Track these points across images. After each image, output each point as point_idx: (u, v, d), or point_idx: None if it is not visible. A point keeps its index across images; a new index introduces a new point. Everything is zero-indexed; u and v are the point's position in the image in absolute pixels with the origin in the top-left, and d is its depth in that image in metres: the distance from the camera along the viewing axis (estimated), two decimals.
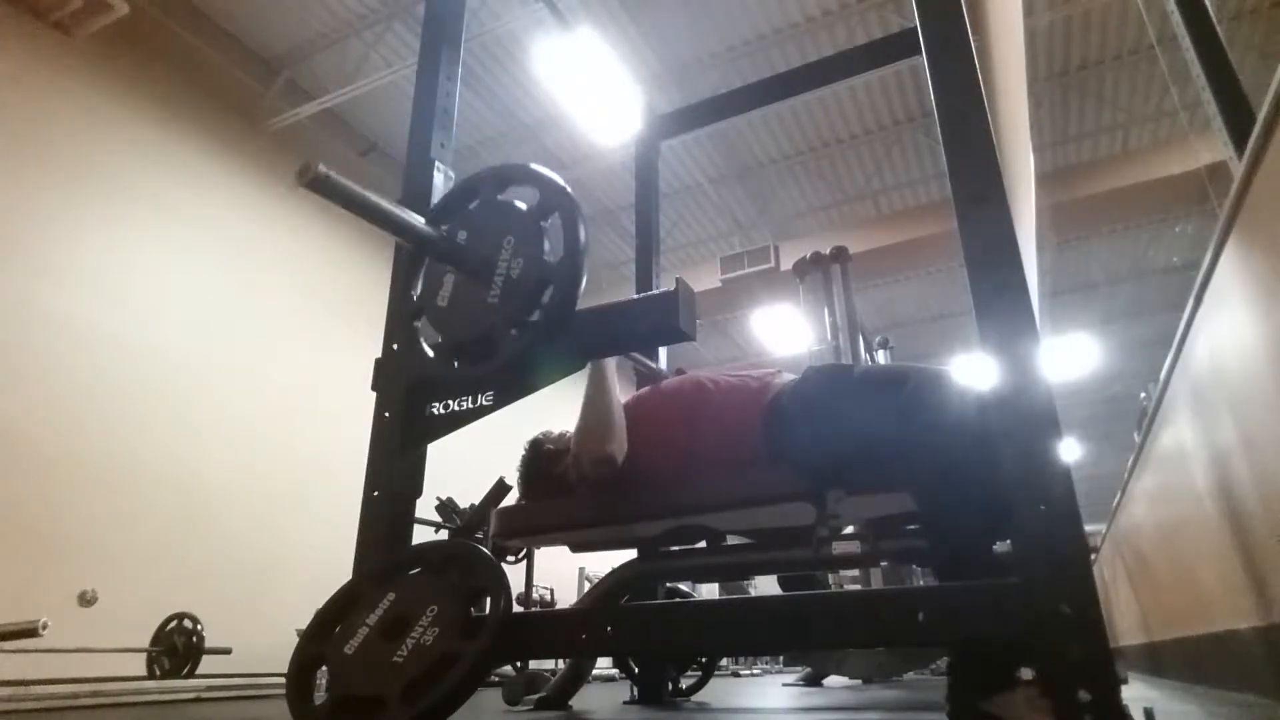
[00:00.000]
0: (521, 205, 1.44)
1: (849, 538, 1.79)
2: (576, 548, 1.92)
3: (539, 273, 1.35)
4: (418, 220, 1.41)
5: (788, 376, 1.67)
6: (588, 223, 1.40)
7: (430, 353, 1.46)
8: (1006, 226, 1.18)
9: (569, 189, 1.41)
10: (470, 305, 1.41)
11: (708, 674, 2.71)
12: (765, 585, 5.22)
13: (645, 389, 1.85)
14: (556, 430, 1.85)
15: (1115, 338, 10.56)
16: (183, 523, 4.93)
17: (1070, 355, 10.60)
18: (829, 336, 4.82)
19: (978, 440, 1.18)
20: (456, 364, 1.43)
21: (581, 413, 1.61)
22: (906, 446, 1.33)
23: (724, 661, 7.49)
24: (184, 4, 5.78)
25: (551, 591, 5.81)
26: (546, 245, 1.37)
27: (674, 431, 1.63)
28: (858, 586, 4.05)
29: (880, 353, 5.96)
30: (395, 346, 1.60)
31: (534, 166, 1.47)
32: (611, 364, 1.65)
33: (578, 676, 2.30)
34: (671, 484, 1.61)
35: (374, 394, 1.57)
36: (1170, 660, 3.25)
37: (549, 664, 4.06)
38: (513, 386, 1.42)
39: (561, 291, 1.34)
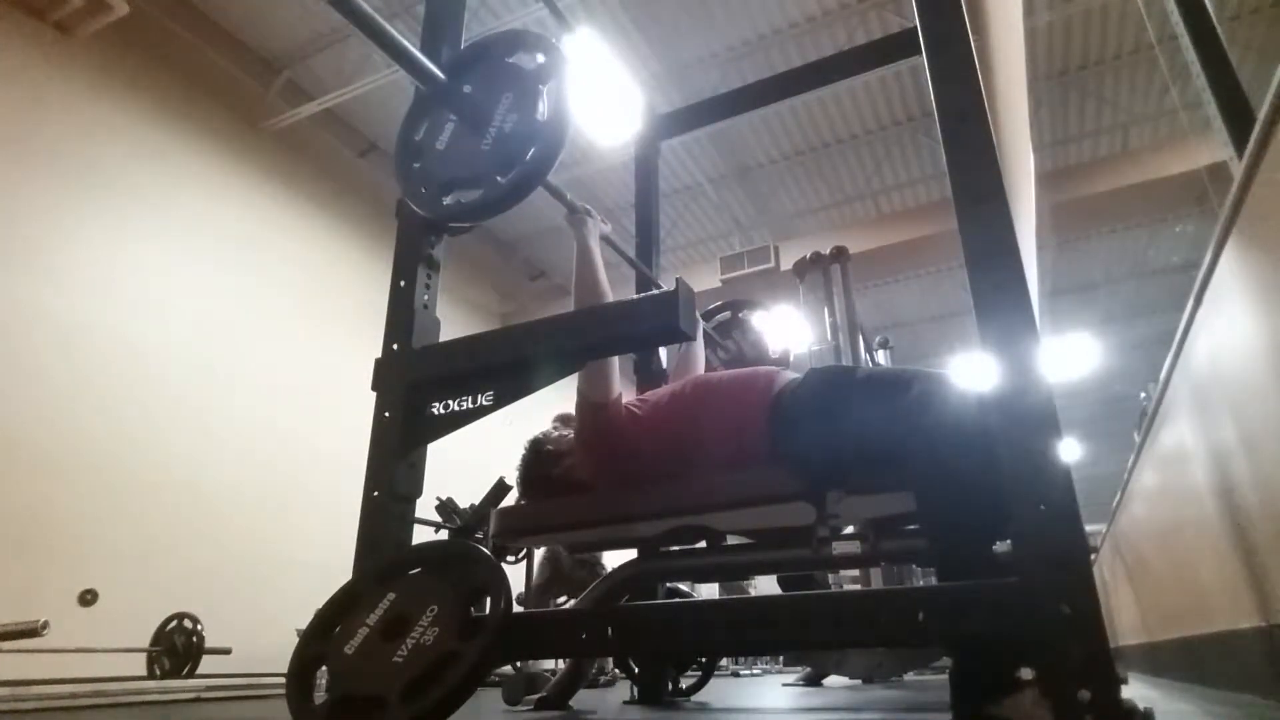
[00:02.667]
0: (525, 66, 1.55)
1: (849, 538, 1.79)
2: (576, 548, 1.92)
3: (529, 129, 1.47)
4: (432, 64, 1.53)
5: (789, 375, 1.67)
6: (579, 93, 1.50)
7: (424, 191, 1.57)
8: (1006, 226, 1.18)
9: (569, 57, 1.53)
10: (464, 150, 1.54)
11: (708, 674, 2.71)
12: (765, 585, 5.22)
13: (647, 388, 1.85)
14: (557, 431, 1.85)
15: (1115, 338, 10.56)
16: (183, 523, 4.93)
17: (1070, 355, 10.59)
18: (829, 336, 4.82)
19: (979, 442, 1.18)
20: (445, 201, 1.55)
21: (574, 288, 1.72)
22: (909, 448, 1.33)
23: (724, 661, 7.48)
24: (184, 4, 5.78)
25: None
26: (540, 106, 1.48)
27: (675, 430, 1.63)
28: (858, 586, 4.05)
29: (880, 353, 5.96)
30: (395, 346, 1.60)
31: (542, 34, 1.58)
32: (594, 236, 1.79)
33: (578, 676, 2.30)
34: (672, 484, 1.61)
35: (374, 394, 1.57)
36: (1170, 660, 3.25)
37: (549, 664, 4.06)
38: (513, 386, 1.42)
39: (545, 148, 1.45)
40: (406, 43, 1.46)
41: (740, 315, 2.67)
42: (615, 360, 1.65)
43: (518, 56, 1.58)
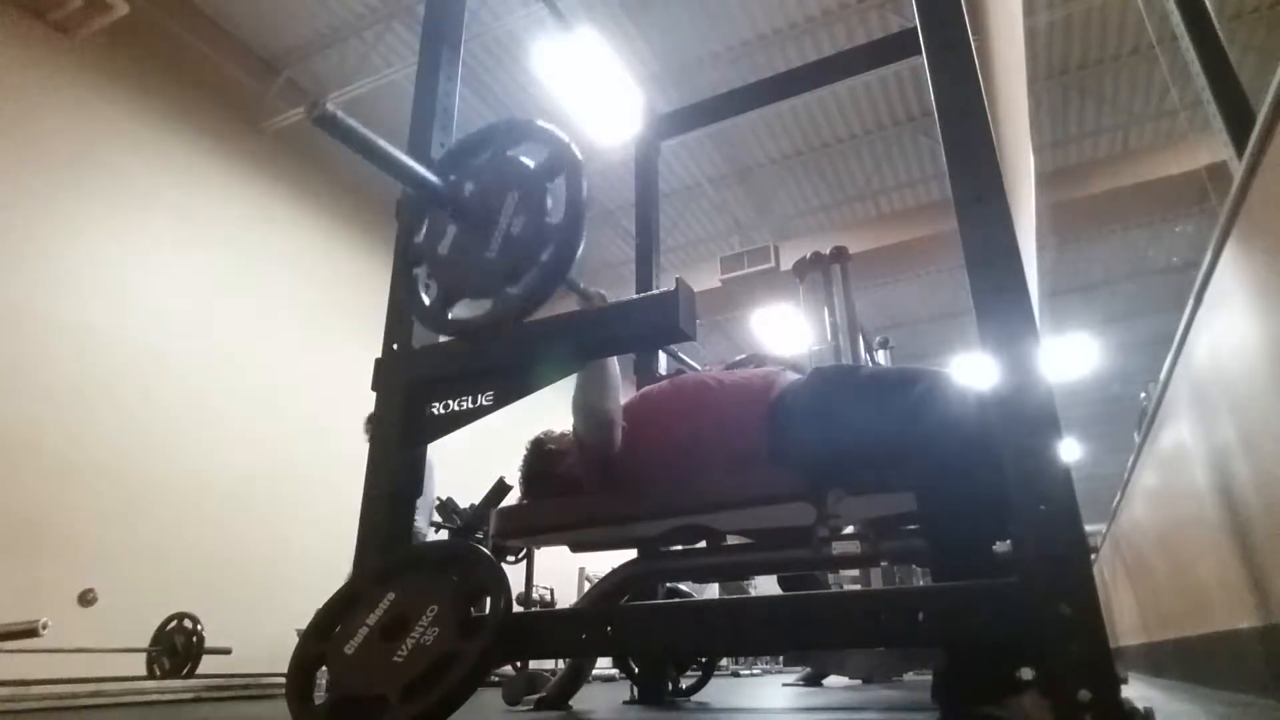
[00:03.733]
0: (529, 162, 1.43)
1: (849, 538, 1.79)
2: (576, 548, 1.92)
3: (539, 232, 1.35)
4: (424, 168, 1.41)
5: (791, 375, 1.67)
6: (591, 185, 1.39)
7: (426, 301, 1.47)
8: (1006, 226, 1.18)
9: (576, 149, 1.40)
10: (469, 257, 1.42)
11: (708, 674, 2.71)
12: (765, 585, 5.22)
13: (647, 387, 1.84)
14: (558, 430, 1.85)
15: (1115, 338, 10.56)
16: (183, 523, 4.93)
17: (1070, 355, 10.59)
18: (829, 336, 4.82)
19: (980, 442, 1.18)
20: (450, 314, 1.43)
21: (583, 399, 1.60)
22: (911, 448, 1.33)
23: (724, 661, 7.49)
24: (184, 4, 5.77)
25: (551, 591, 5.81)
26: (549, 204, 1.37)
27: (676, 430, 1.63)
28: (858, 586, 4.05)
29: (880, 353, 5.96)
30: (395, 346, 1.60)
31: (543, 123, 1.46)
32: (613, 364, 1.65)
33: (578, 676, 2.30)
34: (672, 484, 1.61)
35: (374, 394, 1.57)
36: (1170, 660, 3.25)
37: (549, 664, 4.06)
38: (513, 386, 1.42)
39: (560, 253, 1.34)
40: (391, 148, 1.32)
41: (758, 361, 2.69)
42: (617, 377, 1.63)
43: (520, 149, 1.46)
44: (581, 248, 1.35)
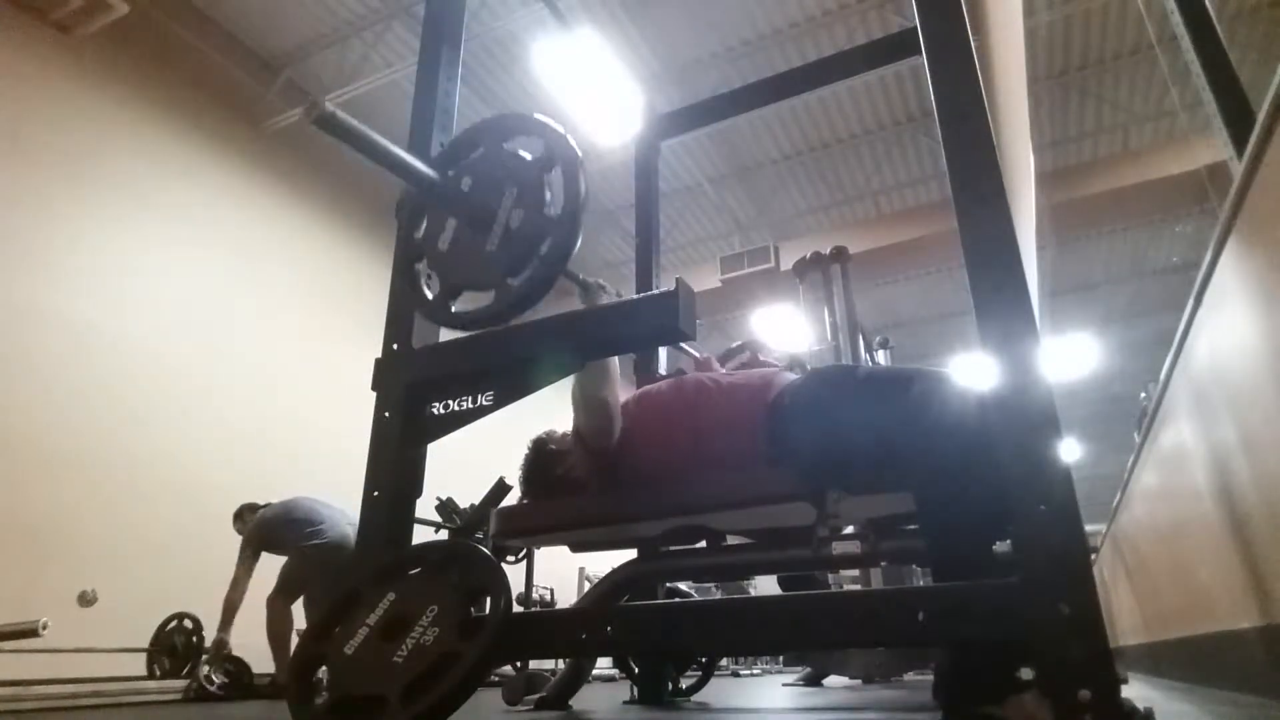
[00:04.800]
0: (525, 155, 1.44)
1: (849, 538, 1.79)
2: (576, 548, 1.92)
3: (538, 225, 1.37)
4: (422, 164, 1.43)
5: (789, 375, 1.67)
6: (589, 177, 1.40)
7: (429, 295, 1.49)
8: (1006, 226, 1.18)
9: (572, 140, 1.40)
10: (469, 251, 1.43)
11: (708, 674, 2.71)
12: (765, 585, 5.22)
13: (647, 387, 1.84)
14: (560, 431, 1.85)
15: (1115, 338, 10.56)
16: (183, 523, 4.93)
17: (1070, 355, 10.59)
18: (829, 336, 4.82)
19: (979, 441, 1.18)
20: (453, 308, 1.45)
21: (582, 391, 1.60)
22: (909, 447, 1.33)
23: (724, 661, 7.49)
24: (184, 4, 5.77)
25: (551, 591, 5.81)
26: (548, 197, 1.38)
27: (675, 430, 1.63)
28: (858, 586, 4.05)
29: (880, 353, 5.95)
30: (395, 346, 1.60)
31: (539, 116, 1.47)
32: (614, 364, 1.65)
33: (578, 676, 2.30)
34: (672, 484, 1.61)
35: (374, 394, 1.57)
36: (1170, 660, 3.25)
37: (549, 664, 4.06)
38: (513, 386, 1.42)
39: (559, 244, 1.35)
40: (391, 145, 1.35)
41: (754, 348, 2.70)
42: (616, 369, 1.63)
43: (516, 142, 1.47)
44: (580, 239, 1.36)
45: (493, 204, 1.41)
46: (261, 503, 4.14)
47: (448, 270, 1.47)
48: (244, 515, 4.18)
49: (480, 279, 1.41)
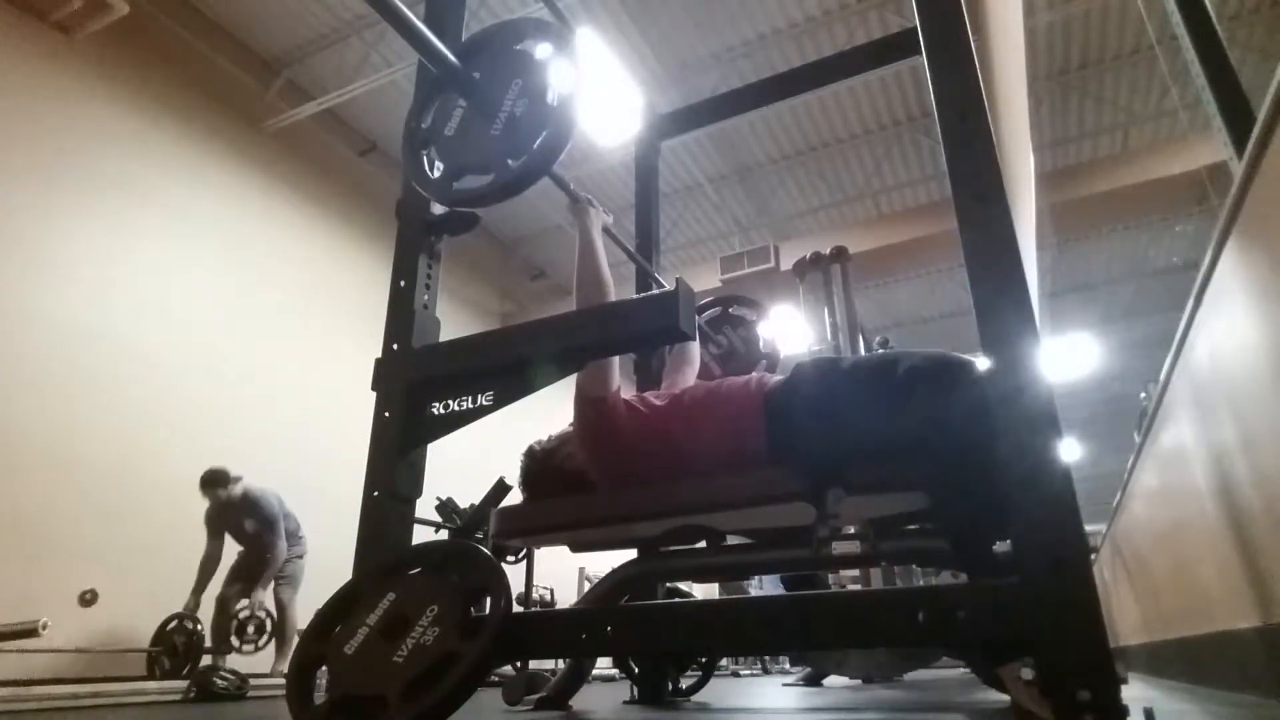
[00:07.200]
0: (535, 55, 1.56)
1: (849, 537, 1.79)
2: (576, 548, 1.92)
3: (539, 114, 1.48)
4: (444, 47, 1.53)
5: (772, 377, 1.68)
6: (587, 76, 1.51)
7: (433, 177, 1.58)
8: (1006, 226, 1.18)
9: (575, 39, 1.53)
10: (474, 135, 1.55)
11: (708, 674, 2.71)
12: (766, 584, 5.22)
13: (646, 393, 1.85)
14: (549, 435, 1.87)
15: (1115, 338, 10.56)
16: (183, 523, 4.92)
17: (1070, 355, 10.59)
18: (829, 336, 4.82)
19: (974, 422, 1.17)
20: (455, 186, 1.55)
21: (576, 279, 1.68)
22: (901, 435, 1.33)
23: (724, 661, 7.49)
24: (184, 4, 5.78)
25: (551, 591, 5.81)
26: (550, 92, 1.49)
27: (674, 431, 1.63)
28: (858, 586, 4.05)
29: (880, 353, 5.96)
30: (395, 346, 1.60)
31: (549, 20, 1.59)
32: (596, 227, 1.77)
33: (578, 676, 2.30)
34: (672, 484, 1.61)
35: (374, 394, 1.57)
36: (1170, 660, 3.25)
37: (549, 664, 4.06)
38: (513, 386, 1.42)
39: (555, 133, 1.45)
40: (420, 24, 1.47)
41: (732, 311, 2.71)
42: (615, 356, 1.65)
43: (525, 43, 1.59)
44: (575, 129, 1.47)
45: (500, 93, 1.53)
46: (232, 474, 4.37)
47: (452, 153, 1.57)
48: (223, 482, 4.31)
49: (483, 161, 1.51)
